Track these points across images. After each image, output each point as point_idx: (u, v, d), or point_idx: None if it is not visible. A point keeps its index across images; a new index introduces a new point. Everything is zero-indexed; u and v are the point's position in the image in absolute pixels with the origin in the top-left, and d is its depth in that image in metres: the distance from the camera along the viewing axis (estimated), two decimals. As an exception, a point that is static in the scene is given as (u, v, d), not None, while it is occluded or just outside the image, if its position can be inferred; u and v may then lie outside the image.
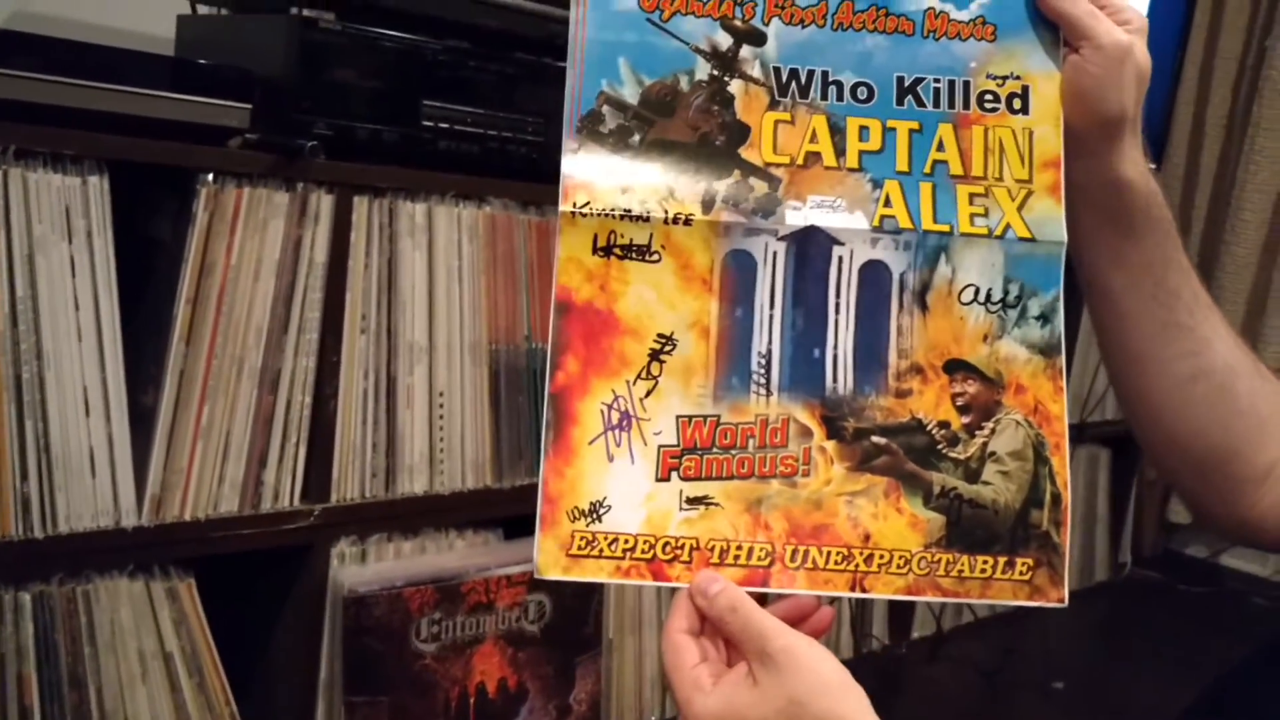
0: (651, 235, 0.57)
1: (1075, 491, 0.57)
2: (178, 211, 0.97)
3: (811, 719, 0.51)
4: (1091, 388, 1.94)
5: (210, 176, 0.95)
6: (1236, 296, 2.19)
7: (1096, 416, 1.97)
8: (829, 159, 0.59)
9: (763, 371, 0.57)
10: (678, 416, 0.57)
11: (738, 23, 0.60)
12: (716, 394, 0.57)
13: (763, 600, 0.55)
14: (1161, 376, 0.70)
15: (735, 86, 0.59)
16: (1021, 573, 0.58)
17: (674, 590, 0.56)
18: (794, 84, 0.60)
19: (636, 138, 0.58)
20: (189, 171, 0.95)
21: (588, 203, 0.57)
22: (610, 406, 0.56)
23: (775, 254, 0.58)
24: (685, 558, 0.56)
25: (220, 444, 1.00)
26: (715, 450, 0.57)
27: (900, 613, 1.74)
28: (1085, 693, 1.70)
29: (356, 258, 1.05)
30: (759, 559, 0.56)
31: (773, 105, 0.60)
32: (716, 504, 0.57)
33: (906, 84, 0.60)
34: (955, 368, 0.59)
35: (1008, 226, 0.60)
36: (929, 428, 0.58)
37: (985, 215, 0.60)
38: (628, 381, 0.57)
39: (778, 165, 0.59)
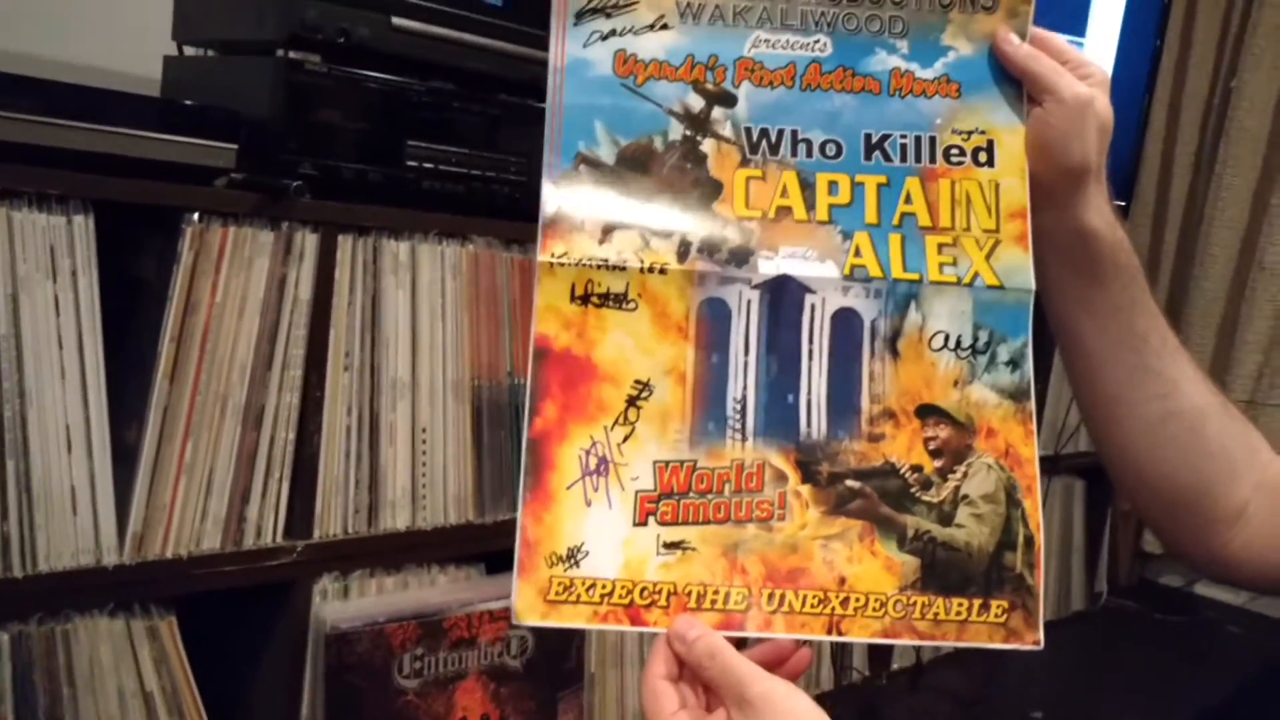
0: (628, 284, 0.59)
1: (1051, 522, 0.59)
2: (163, 250, 0.98)
3: None
4: (1066, 419, 1.96)
5: (196, 216, 0.96)
6: (1206, 330, 2.22)
7: (1071, 448, 1.98)
8: (799, 213, 0.61)
9: (738, 417, 0.59)
10: (655, 462, 0.58)
11: (709, 86, 0.62)
12: (693, 439, 0.58)
13: (741, 644, 0.56)
14: (1132, 419, 0.71)
15: (708, 145, 0.61)
16: (997, 615, 0.59)
17: (653, 634, 0.57)
18: (764, 142, 0.62)
19: (613, 193, 0.60)
20: (175, 211, 0.96)
21: (565, 253, 0.58)
22: (588, 452, 0.57)
23: (749, 302, 0.60)
24: (663, 603, 0.57)
25: (203, 481, 1.00)
26: (692, 495, 0.58)
27: (880, 644, 1.74)
28: (1064, 723, 1.71)
29: (340, 295, 1.06)
30: (736, 603, 0.57)
31: (744, 163, 0.62)
32: (693, 549, 0.57)
33: (874, 140, 0.62)
34: (927, 412, 0.60)
35: (976, 274, 0.61)
36: (902, 471, 0.60)
37: (954, 264, 0.61)
38: (605, 427, 0.58)
39: (750, 219, 0.61)
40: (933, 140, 0.63)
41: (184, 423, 0.98)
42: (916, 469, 0.60)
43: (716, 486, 0.58)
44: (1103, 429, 0.73)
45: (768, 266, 0.60)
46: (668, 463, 0.58)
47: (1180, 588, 2.35)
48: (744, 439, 0.59)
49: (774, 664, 0.57)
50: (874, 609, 0.58)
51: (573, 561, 0.57)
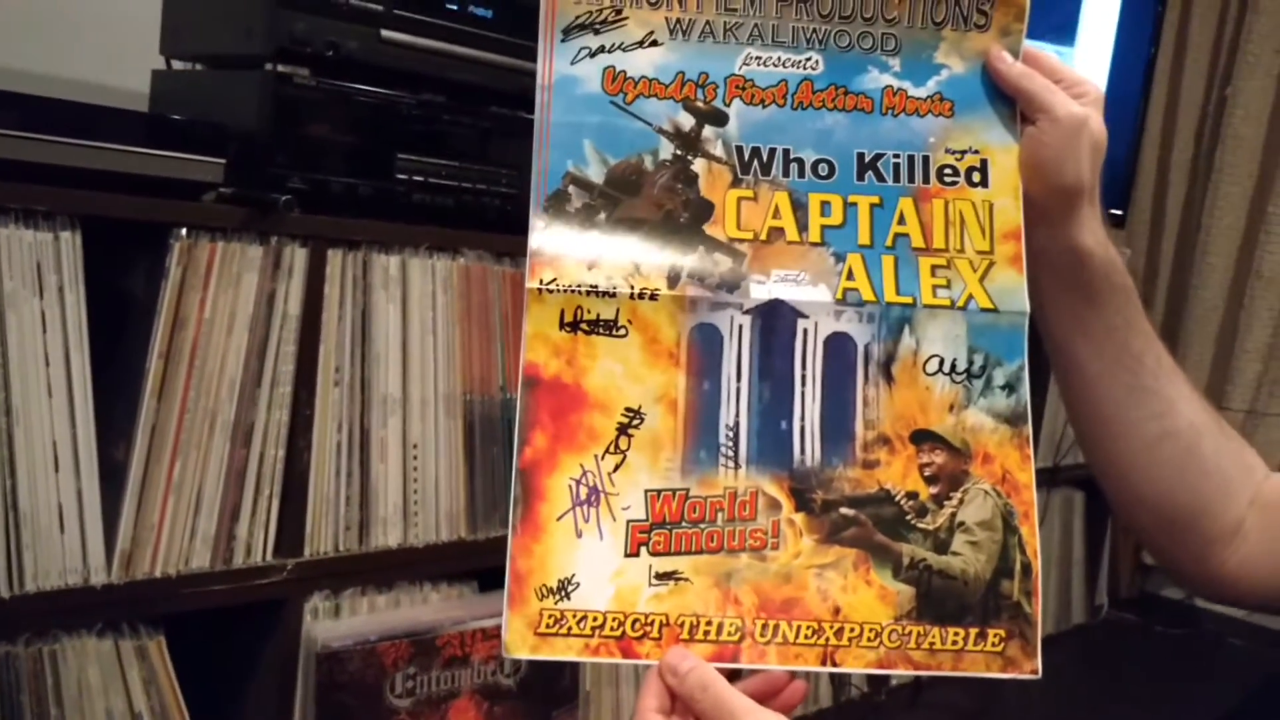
0: (618, 310, 0.58)
1: (1050, 535, 0.58)
2: (151, 266, 0.97)
3: None
4: (1065, 431, 1.95)
5: (184, 231, 0.95)
6: (1205, 339, 2.21)
7: (1070, 460, 1.97)
8: (792, 234, 0.60)
9: (731, 444, 0.58)
10: (646, 491, 0.57)
11: (700, 104, 0.61)
12: (685, 467, 0.57)
13: (734, 675, 0.55)
14: (1128, 439, 0.70)
15: (699, 165, 0.60)
16: (994, 644, 0.58)
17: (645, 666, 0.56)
18: (756, 162, 0.61)
19: (602, 215, 0.59)
20: (163, 226, 0.95)
21: (554, 279, 0.57)
22: (578, 482, 0.56)
23: (741, 327, 0.59)
24: (655, 634, 0.56)
25: (192, 499, 0.99)
26: (684, 524, 0.57)
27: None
28: (1065, 737, 1.70)
29: (330, 310, 1.05)
30: (729, 634, 0.56)
31: (735, 183, 0.61)
32: (686, 579, 0.57)
33: (867, 160, 0.62)
34: (922, 438, 0.59)
35: (970, 297, 0.61)
36: (897, 498, 0.59)
37: (948, 286, 0.61)
38: (596, 456, 0.57)
39: (741, 241, 0.60)
40: (926, 160, 0.62)
41: (172, 440, 0.97)
42: (912, 496, 0.59)
43: (709, 515, 0.57)
44: (1099, 449, 0.73)
45: (759, 291, 0.59)
46: (659, 492, 0.57)
47: (1181, 600, 2.34)
48: (737, 467, 0.58)
49: (767, 696, 0.56)
50: (869, 639, 0.57)
51: (563, 594, 0.56)
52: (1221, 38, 2.20)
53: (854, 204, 0.61)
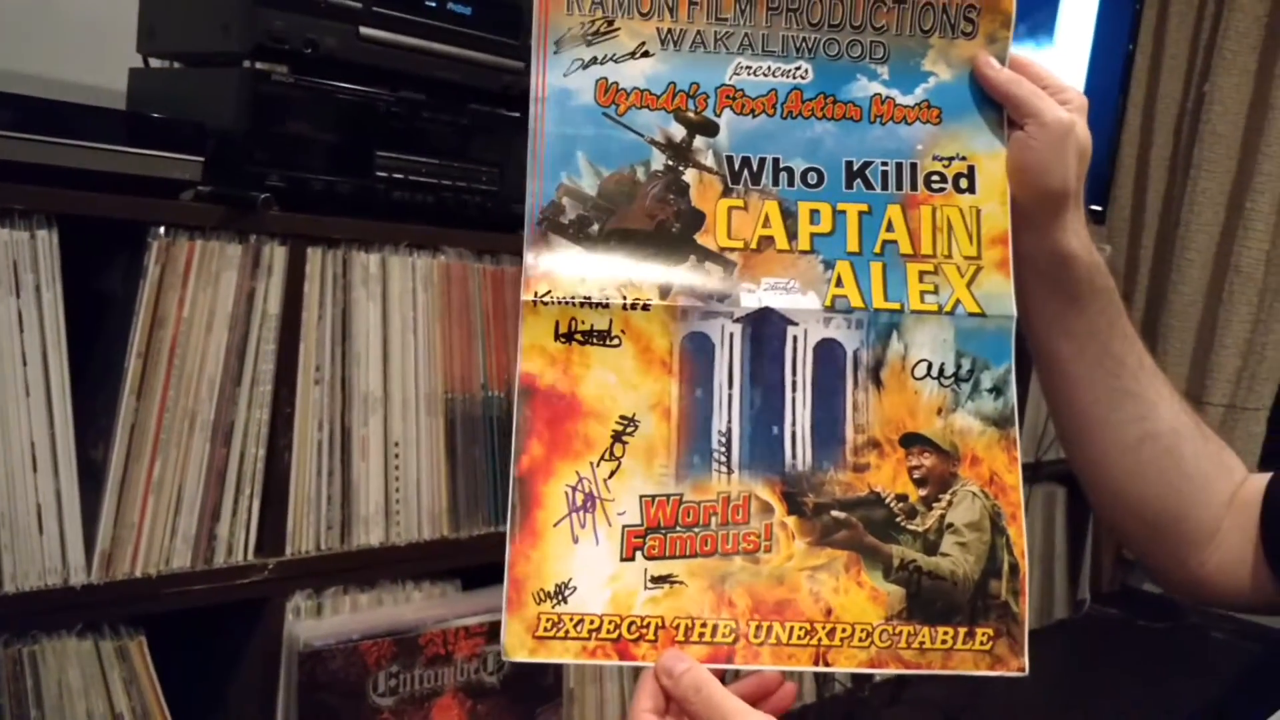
0: (611, 321, 0.58)
1: (1033, 530, 0.59)
2: (129, 265, 0.96)
3: None
4: (1046, 426, 1.97)
5: (162, 229, 0.94)
6: (1184, 335, 2.23)
7: (1052, 455, 1.99)
8: (781, 242, 0.61)
9: (723, 450, 0.58)
10: (641, 496, 0.58)
11: (691, 114, 0.61)
12: (679, 473, 0.58)
13: (727, 677, 0.56)
14: (1110, 441, 0.71)
15: (690, 175, 0.61)
16: (982, 643, 0.59)
17: (639, 669, 0.57)
18: (746, 171, 0.61)
19: (595, 227, 0.60)
20: (141, 225, 0.94)
21: (549, 291, 0.58)
22: (574, 488, 0.57)
23: (732, 335, 0.59)
24: (651, 636, 0.57)
25: (172, 498, 0.98)
26: (679, 529, 0.58)
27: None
28: (1048, 733, 1.72)
29: (310, 309, 1.05)
30: (723, 636, 0.57)
31: (726, 192, 0.61)
32: (681, 582, 0.57)
33: (855, 168, 0.62)
34: (911, 441, 0.60)
35: (957, 302, 0.61)
36: (887, 501, 0.59)
37: (935, 292, 0.61)
38: (591, 463, 0.57)
39: (732, 250, 0.60)
40: (914, 167, 0.63)
41: (152, 439, 0.96)
42: (901, 498, 0.60)
43: (703, 519, 0.58)
44: (1080, 451, 0.74)
45: (749, 300, 0.60)
46: (654, 497, 0.58)
47: (1164, 594, 2.36)
48: (729, 472, 0.58)
49: (760, 698, 0.57)
50: (860, 639, 0.58)
51: (560, 598, 0.56)
52: (1199, 35, 2.22)
53: (843, 212, 0.62)
